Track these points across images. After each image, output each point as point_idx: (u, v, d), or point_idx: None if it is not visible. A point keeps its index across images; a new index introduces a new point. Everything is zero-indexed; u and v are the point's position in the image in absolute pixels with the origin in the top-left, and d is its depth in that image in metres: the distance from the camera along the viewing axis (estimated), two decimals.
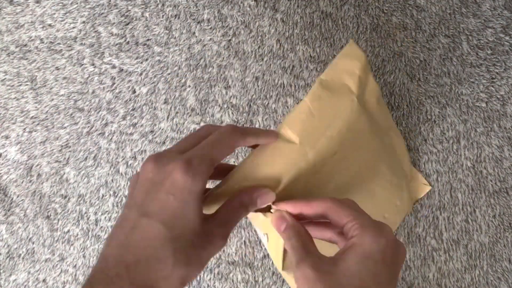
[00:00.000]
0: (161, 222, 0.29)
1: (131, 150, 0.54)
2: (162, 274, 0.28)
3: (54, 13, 0.57)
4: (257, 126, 0.53)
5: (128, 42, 0.56)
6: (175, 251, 0.28)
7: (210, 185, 0.36)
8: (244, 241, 0.51)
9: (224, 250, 0.51)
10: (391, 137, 0.48)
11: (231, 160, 0.53)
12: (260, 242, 0.51)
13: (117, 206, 0.54)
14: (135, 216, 0.29)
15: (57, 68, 0.56)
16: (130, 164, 0.54)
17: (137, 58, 0.55)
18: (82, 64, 0.56)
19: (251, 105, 0.54)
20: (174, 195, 0.29)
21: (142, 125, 0.54)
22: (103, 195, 0.54)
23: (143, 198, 0.30)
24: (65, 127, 0.55)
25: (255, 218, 0.43)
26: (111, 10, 0.56)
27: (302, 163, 0.36)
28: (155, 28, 0.56)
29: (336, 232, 0.34)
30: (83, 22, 0.56)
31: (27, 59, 0.57)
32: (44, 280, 0.54)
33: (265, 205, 0.34)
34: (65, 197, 0.54)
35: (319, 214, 0.32)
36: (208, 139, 0.32)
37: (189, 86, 0.54)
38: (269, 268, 0.51)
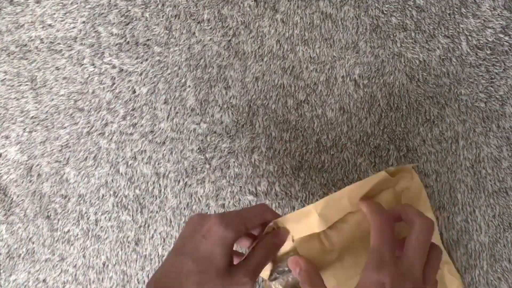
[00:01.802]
0: (191, 259, 0.35)
1: (131, 150, 0.54)
2: None
3: (54, 13, 0.57)
4: (257, 126, 0.53)
5: (128, 42, 0.56)
6: (198, 284, 0.34)
7: None
8: None
9: None
10: (441, 269, 0.48)
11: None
12: None
13: (117, 206, 0.54)
14: (173, 257, 0.36)
15: (57, 68, 0.56)
16: (130, 164, 0.54)
17: (137, 58, 0.55)
18: (82, 64, 0.56)
19: (251, 105, 0.54)
20: (207, 239, 0.36)
21: (142, 125, 0.54)
22: (103, 195, 0.54)
23: (183, 242, 0.37)
24: (65, 127, 0.55)
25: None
26: (111, 10, 0.56)
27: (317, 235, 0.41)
28: (155, 28, 0.56)
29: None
30: (83, 22, 0.57)
31: (27, 59, 0.57)
32: (44, 280, 0.54)
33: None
34: (65, 197, 0.54)
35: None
36: (245, 208, 0.41)
37: (189, 86, 0.54)
38: None
